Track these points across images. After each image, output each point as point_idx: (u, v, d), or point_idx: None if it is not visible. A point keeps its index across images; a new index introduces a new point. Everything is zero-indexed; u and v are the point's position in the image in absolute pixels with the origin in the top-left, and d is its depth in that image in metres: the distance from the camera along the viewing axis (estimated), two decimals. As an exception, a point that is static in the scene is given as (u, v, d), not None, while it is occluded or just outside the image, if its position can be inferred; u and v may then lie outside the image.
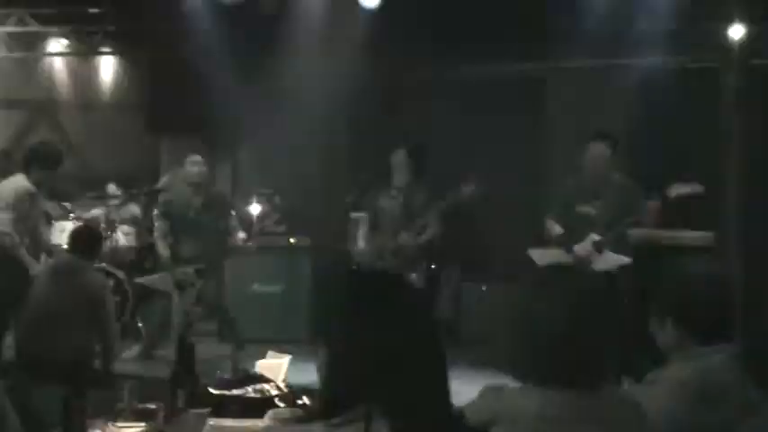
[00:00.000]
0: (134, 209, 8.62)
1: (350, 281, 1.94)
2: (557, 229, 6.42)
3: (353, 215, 7.20)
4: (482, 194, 6.68)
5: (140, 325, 7.74)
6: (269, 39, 8.15)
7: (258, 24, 8.17)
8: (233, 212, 7.32)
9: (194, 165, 7.10)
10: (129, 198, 8.63)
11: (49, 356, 5.34)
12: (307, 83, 8.31)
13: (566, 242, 6.36)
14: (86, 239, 5.70)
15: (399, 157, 6.90)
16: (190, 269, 6.99)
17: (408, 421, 1.72)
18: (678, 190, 5.95)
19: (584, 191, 6.36)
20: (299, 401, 3.60)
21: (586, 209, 6.32)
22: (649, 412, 2.42)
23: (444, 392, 1.79)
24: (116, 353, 5.67)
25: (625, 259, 6.25)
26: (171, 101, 9.43)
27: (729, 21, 7.36)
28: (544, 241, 6.55)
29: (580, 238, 6.27)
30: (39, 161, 6.18)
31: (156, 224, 7.30)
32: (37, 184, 6.17)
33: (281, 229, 8.43)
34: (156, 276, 7.21)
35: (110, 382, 5.05)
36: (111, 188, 8.62)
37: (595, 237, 6.22)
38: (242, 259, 7.59)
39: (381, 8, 7.81)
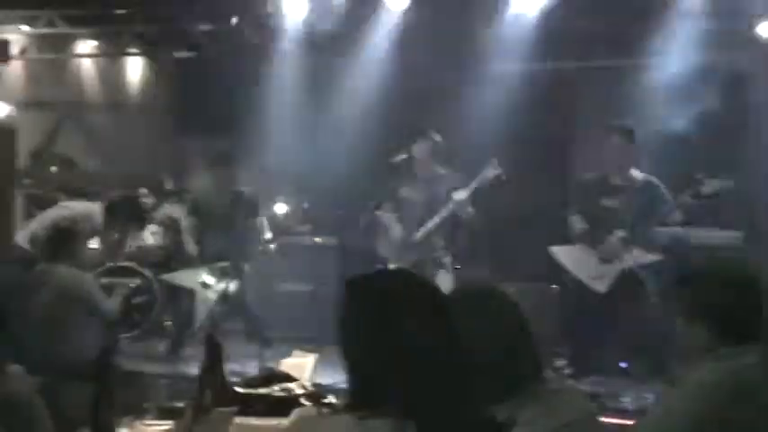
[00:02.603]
0: (163, 208, 8.68)
1: (375, 281, 1.94)
2: (579, 225, 6.38)
3: (378, 212, 7.20)
4: (506, 178, 6.64)
5: (167, 324, 7.80)
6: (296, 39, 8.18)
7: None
8: (259, 212, 7.35)
9: (222, 163, 7.14)
10: (156, 198, 8.71)
11: (74, 356, 5.41)
12: (334, 82, 8.34)
13: (589, 239, 6.33)
14: (49, 242, 5.84)
15: (422, 149, 6.88)
16: (216, 267, 7.02)
17: (433, 424, 1.72)
18: (708, 187, 5.90)
19: (606, 185, 6.32)
20: (325, 400, 3.60)
21: (609, 203, 6.28)
22: (678, 414, 2.41)
23: (470, 396, 1.78)
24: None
25: (652, 257, 6.21)
26: (199, 102, 9.48)
27: (760, 17, 7.29)
28: (567, 238, 6.53)
29: (603, 235, 6.23)
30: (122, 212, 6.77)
31: (185, 222, 7.35)
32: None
33: (308, 228, 8.45)
34: (182, 273, 7.25)
35: (136, 380, 5.11)
36: (142, 191, 8.69)
37: (621, 233, 6.18)
38: (268, 258, 7.61)
39: (408, 10, 7.80)
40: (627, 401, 5.63)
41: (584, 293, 6.30)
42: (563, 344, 6.55)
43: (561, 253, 6.43)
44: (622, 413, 5.16)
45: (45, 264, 5.85)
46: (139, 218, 7.20)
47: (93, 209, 6.87)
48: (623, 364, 6.51)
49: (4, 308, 1.61)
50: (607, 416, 4.65)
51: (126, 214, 6.87)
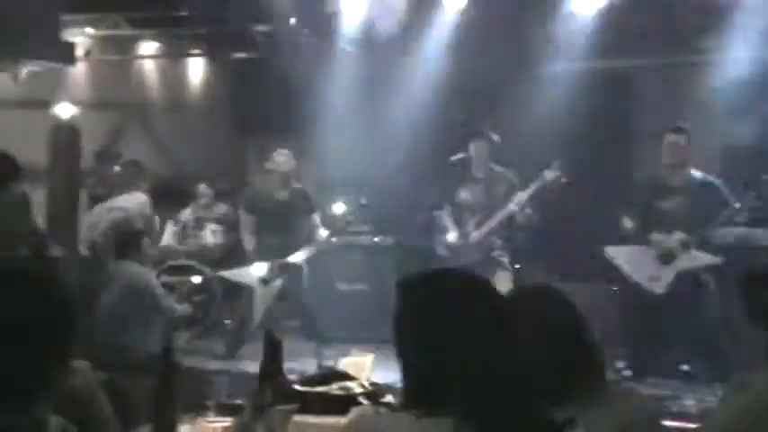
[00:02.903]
0: (222, 207, 8.79)
1: (432, 281, 1.94)
2: (631, 225, 6.31)
3: (436, 212, 7.19)
4: (567, 180, 6.60)
5: (227, 322, 7.88)
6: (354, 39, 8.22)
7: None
8: (316, 209, 7.38)
9: (280, 158, 7.18)
10: (217, 197, 8.82)
11: (137, 352, 5.51)
12: (391, 82, 8.35)
13: (644, 239, 6.25)
14: (114, 242, 5.97)
15: (479, 148, 6.85)
16: (274, 264, 7.07)
17: (491, 424, 1.72)
18: None
19: (662, 186, 6.24)
20: (383, 399, 3.61)
21: (666, 204, 6.20)
22: (741, 417, 2.37)
23: (528, 397, 1.77)
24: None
25: (712, 259, 6.11)
26: (258, 102, 9.58)
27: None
28: (621, 238, 6.45)
29: (660, 236, 6.15)
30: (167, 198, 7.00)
31: (242, 219, 7.42)
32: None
33: (366, 228, 8.47)
34: (239, 270, 7.32)
35: (196, 377, 5.18)
36: (202, 188, 8.81)
37: (680, 234, 6.09)
38: (326, 257, 7.64)
39: (465, 9, 7.78)
40: (688, 404, 5.56)
41: (642, 294, 6.22)
42: (622, 345, 6.49)
43: (617, 253, 6.36)
44: (684, 416, 5.08)
45: (112, 262, 5.98)
46: (182, 202, 7.34)
47: (142, 201, 7.04)
48: (684, 366, 6.42)
49: (73, 306, 1.66)
50: (668, 419, 4.59)
51: (170, 199, 7.02)
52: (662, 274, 6.14)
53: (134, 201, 7.10)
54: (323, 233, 7.21)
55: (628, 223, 6.31)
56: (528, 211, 6.64)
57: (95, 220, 7.21)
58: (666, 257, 6.14)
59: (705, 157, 6.46)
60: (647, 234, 6.23)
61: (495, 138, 6.86)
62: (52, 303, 1.68)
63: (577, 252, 7.70)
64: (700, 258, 6.12)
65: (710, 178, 6.21)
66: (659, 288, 6.13)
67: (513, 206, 6.64)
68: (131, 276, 5.96)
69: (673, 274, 6.13)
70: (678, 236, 6.09)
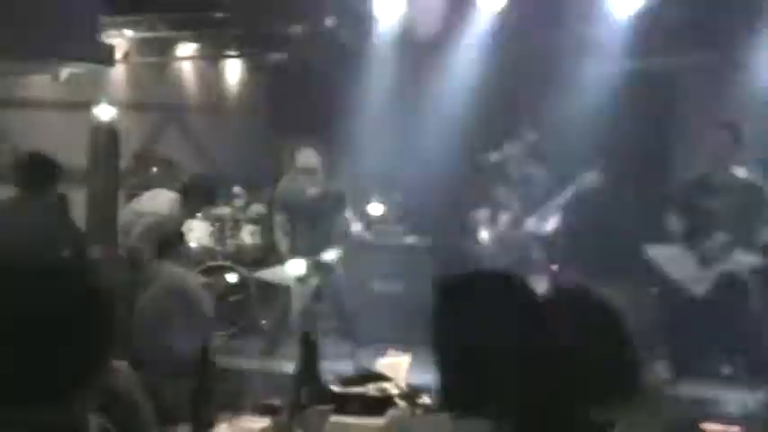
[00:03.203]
0: (258, 208, 8.83)
1: (470, 282, 1.93)
2: (678, 225, 6.23)
3: (472, 212, 7.16)
4: (608, 180, 6.55)
5: (263, 322, 7.92)
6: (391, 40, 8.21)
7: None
8: (349, 208, 7.35)
9: (307, 155, 7.17)
10: (253, 198, 8.87)
11: (176, 352, 5.54)
12: (428, 82, 8.34)
13: (688, 239, 6.17)
14: (155, 241, 5.99)
15: (516, 149, 6.82)
16: (309, 263, 7.08)
17: (529, 425, 1.70)
18: None
19: (707, 185, 6.16)
20: (420, 401, 3.60)
21: (710, 204, 6.11)
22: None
23: (567, 399, 1.76)
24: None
25: (756, 260, 6.03)
26: (294, 103, 9.61)
27: None
28: (664, 238, 6.38)
29: (703, 236, 6.07)
30: (195, 195, 6.88)
31: (275, 218, 7.42)
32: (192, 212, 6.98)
33: (401, 228, 8.47)
34: (274, 270, 7.34)
35: (234, 377, 5.20)
36: (236, 189, 8.86)
37: (724, 235, 6.01)
38: (361, 257, 7.64)
39: (504, 10, 7.75)
40: (729, 407, 5.49)
41: (682, 295, 6.15)
42: (661, 346, 6.42)
43: (658, 253, 6.29)
44: (724, 419, 5.02)
45: (152, 262, 6.02)
46: (210, 198, 7.34)
47: (171, 198, 6.98)
48: (726, 369, 6.33)
49: (112, 306, 1.67)
50: (708, 421, 4.54)
51: (198, 195, 7.01)
52: (704, 275, 6.06)
53: (162, 199, 7.07)
54: (356, 231, 7.18)
55: (674, 224, 6.23)
56: (566, 213, 6.60)
57: (127, 221, 7.19)
58: (709, 259, 6.06)
59: (752, 157, 6.35)
60: (690, 234, 6.15)
61: (532, 138, 6.82)
62: (92, 303, 1.69)
63: (616, 252, 7.64)
64: (743, 260, 6.03)
65: (755, 178, 6.12)
66: (701, 289, 6.05)
67: (549, 206, 6.61)
68: (172, 277, 6.00)
69: (715, 275, 6.05)
70: (722, 237, 6.01)
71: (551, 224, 6.78)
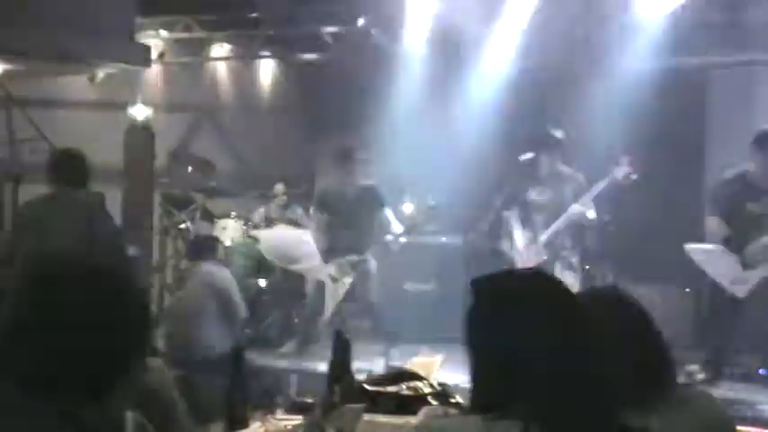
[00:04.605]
0: (296, 209, 8.85)
1: (505, 281, 1.93)
2: (720, 228, 6.14)
3: (504, 212, 7.15)
4: (637, 177, 6.49)
5: (296, 320, 7.95)
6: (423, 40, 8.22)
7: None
8: (386, 208, 7.38)
9: (347, 158, 7.20)
10: (291, 197, 8.92)
11: (210, 350, 5.59)
12: (460, 82, 8.33)
13: (730, 242, 6.09)
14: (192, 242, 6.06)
15: (548, 149, 6.79)
16: (344, 261, 7.11)
17: (563, 428, 1.70)
18: None
19: (750, 186, 6.08)
20: (452, 400, 3.60)
21: (754, 207, 6.04)
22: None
23: (600, 401, 1.75)
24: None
25: None
26: (327, 102, 9.64)
27: None
28: (698, 237, 6.31)
29: (746, 240, 6.00)
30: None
31: (315, 217, 7.47)
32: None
33: (434, 227, 8.46)
34: (309, 268, 7.37)
35: (267, 375, 5.24)
36: (278, 188, 8.93)
37: (767, 239, 5.94)
38: (394, 257, 7.65)
39: (537, 10, 7.72)
40: (765, 409, 5.43)
41: (720, 297, 6.08)
42: (696, 348, 6.36)
43: (698, 252, 6.21)
44: (760, 421, 4.97)
45: (188, 262, 6.09)
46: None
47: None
48: (763, 371, 6.27)
49: (149, 304, 1.70)
50: (744, 424, 4.49)
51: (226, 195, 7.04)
52: (746, 277, 5.98)
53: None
54: (397, 229, 7.21)
55: (714, 225, 6.14)
56: (591, 213, 6.56)
57: None
58: (752, 262, 5.98)
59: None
60: (735, 237, 6.06)
61: (563, 137, 6.79)
62: (128, 301, 1.71)
63: (648, 252, 7.59)
64: None
65: None
66: (742, 292, 5.98)
67: (575, 209, 6.57)
68: (209, 276, 6.07)
69: (758, 278, 5.97)
70: (765, 240, 5.94)
71: (582, 224, 6.74)
